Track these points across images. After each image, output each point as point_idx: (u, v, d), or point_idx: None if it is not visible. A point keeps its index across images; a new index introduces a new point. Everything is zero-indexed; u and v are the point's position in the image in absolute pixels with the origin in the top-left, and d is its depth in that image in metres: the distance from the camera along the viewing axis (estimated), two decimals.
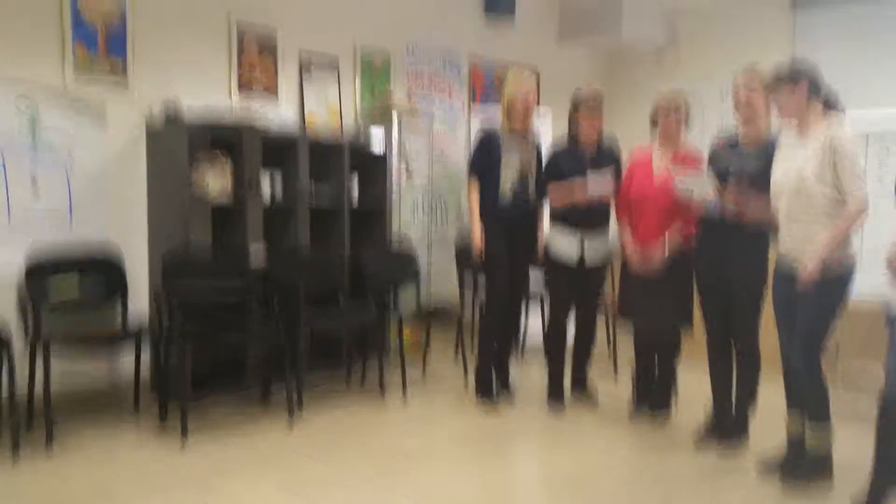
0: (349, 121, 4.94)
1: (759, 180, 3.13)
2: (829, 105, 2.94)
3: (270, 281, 3.90)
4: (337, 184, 4.44)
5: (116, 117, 3.85)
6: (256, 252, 3.96)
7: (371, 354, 4.33)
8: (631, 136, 3.88)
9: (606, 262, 4.00)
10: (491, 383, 4.04)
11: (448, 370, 4.69)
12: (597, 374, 4.39)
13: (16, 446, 3.07)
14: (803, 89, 2.89)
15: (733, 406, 3.50)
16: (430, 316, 4.67)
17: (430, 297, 4.84)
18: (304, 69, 4.65)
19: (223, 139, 3.89)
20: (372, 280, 4.34)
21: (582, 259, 3.88)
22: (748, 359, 3.43)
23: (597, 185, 3.71)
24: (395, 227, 4.87)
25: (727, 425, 3.49)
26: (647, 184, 3.65)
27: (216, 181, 3.85)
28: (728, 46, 6.24)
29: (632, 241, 3.71)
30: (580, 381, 4.18)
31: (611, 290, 4.21)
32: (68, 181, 3.72)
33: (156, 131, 3.91)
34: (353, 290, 4.36)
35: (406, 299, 4.64)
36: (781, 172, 2.96)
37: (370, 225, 4.67)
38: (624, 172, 3.84)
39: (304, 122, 4.62)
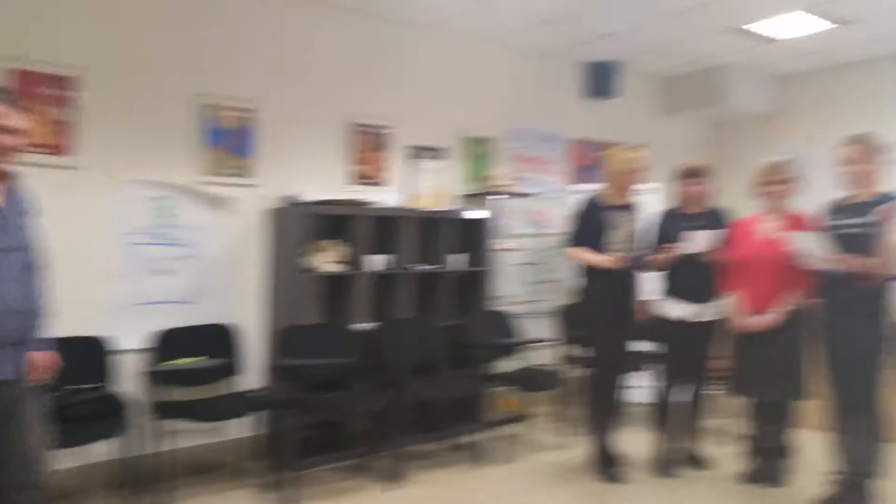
0: (454, 202, 5.23)
1: (869, 239, 3.06)
2: None
3: (377, 351, 4.13)
4: (440, 255, 4.69)
5: (243, 209, 4.32)
6: (362, 323, 4.22)
7: (472, 422, 4.39)
8: (740, 202, 3.86)
9: (717, 323, 3.90)
10: (608, 455, 3.97)
11: (552, 439, 4.64)
12: (710, 444, 4.22)
13: None
14: None
15: (857, 475, 3.25)
16: (532, 384, 4.68)
17: (531, 366, 4.87)
18: (411, 159, 5.02)
19: (335, 222, 4.26)
20: (473, 348, 4.46)
21: (689, 318, 3.82)
22: (868, 425, 3.24)
23: (696, 241, 3.70)
24: (496, 297, 5.01)
25: (850, 496, 3.24)
26: (753, 249, 3.61)
27: (328, 259, 4.20)
28: (839, 106, 6.08)
29: (742, 307, 3.63)
30: (692, 451, 4.05)
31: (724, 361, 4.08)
32: (197, 268, 4.17)
33: (275, 218, 4.35)
34: (457, 358, 4.49)
35: (506, 367, 4.71)
36: None
37: (472, 295, 4.84)
38: (728, 240, 3.80)
39: (410, 204, 4.95)
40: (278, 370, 3.99)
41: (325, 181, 4.60)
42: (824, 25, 5.16)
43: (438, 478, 3.94)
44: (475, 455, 4.24)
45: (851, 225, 3.21)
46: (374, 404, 3.96)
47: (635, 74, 6.37)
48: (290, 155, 4.49)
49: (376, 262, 4.37)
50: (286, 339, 4.01)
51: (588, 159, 6.11)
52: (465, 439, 4.45)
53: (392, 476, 3.84)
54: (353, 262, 4.29)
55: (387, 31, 4.94)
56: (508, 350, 4.73)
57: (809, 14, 4.95)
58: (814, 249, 3.23)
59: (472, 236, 4.91)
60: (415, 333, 4.40)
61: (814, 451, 3.69)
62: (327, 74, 4.66)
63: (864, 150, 3.21)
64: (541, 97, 5.85)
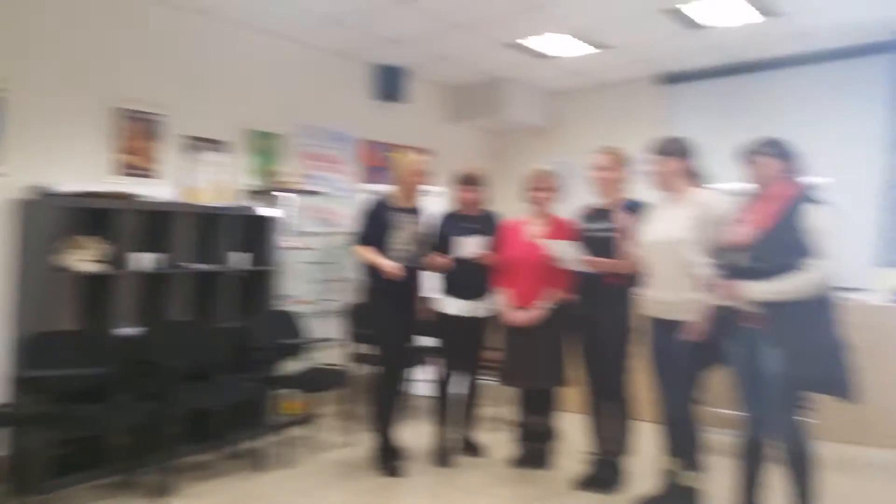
0: (238, 198, 5.01)
1: (616, 243, 3.38)
2: (698, 178, 3.24)
3: (141, 357, 3.80)
4: (220, 253, 4.45)
5: None
6: (127, 328, 3.88)
7: (254, 427, 4.22)
8: (516, 207, 4.10)
9: (490, 318, 4.09)
10: (390, 449, 4.02)
11: (338, 438, 4.60)
12: (484, 431, 4.44)
13: None
14: (680, 163, 3.16)
15: (610, 453, 3.60)
16: (317, 385, 4.61)
17: (318, 365, 4.81)
18: (189, 150, 4.72)
19: (97, 217, 3.87)
20: (256, 351, 4.29)
21: (464, 314, 3.98)
22: (620, 408, 3.59)
23: (466, 246, 3.88)
24: (282, 297, 4.89)
25: (604, 472, 3.58)
26: (520, 250, 3.85)
27: (85, 257, 3.80)
28: (603, 121, 6.75)
29: (509, 303, 3.85)
30: (468, 439, 4.24)
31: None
32: None
33: (23, 211, 3.85)
34: (239, 361, 4.29)
35: (292, 368, 4.60)
36: (656, 234, 3.18)
37: (256, 295, 4.66)
38: (497, 241, 4.02)
39: (187, 199, 4.65)
40: (23, 383, 3.52)
41: (85, 171, 4.17)
42: (587, 49, 5.69)
43: (213, 488, 3.72)
44: (257, 461, 4.08)
45: (600, 229, 3.54)
46: (137, 416, 3.64)
47: (425, 81, 6.57)
48: (44, 140, 4.02)
49: (144, 260, 4.03)
50: (34, 348, 3.56)
51: (378, 160, 6.18)
52: (246, 446, 4.26)
53: (160, 491, 3.56)
54: (117, 261, 3.92)
55: (167, 15, 4.61)
56: (294, 351, 4.60)
57: (574, 38, 5.43)
58: (568, 253, 3.52)
59: (256, 234, 4.72)
60: (189, 337, 4.12)
61: (574, 433, 4.02)
62: (90, 53, 4.24)
63: (613, 160, 3.56)
64: (331, 96, 5.81)
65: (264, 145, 5.28)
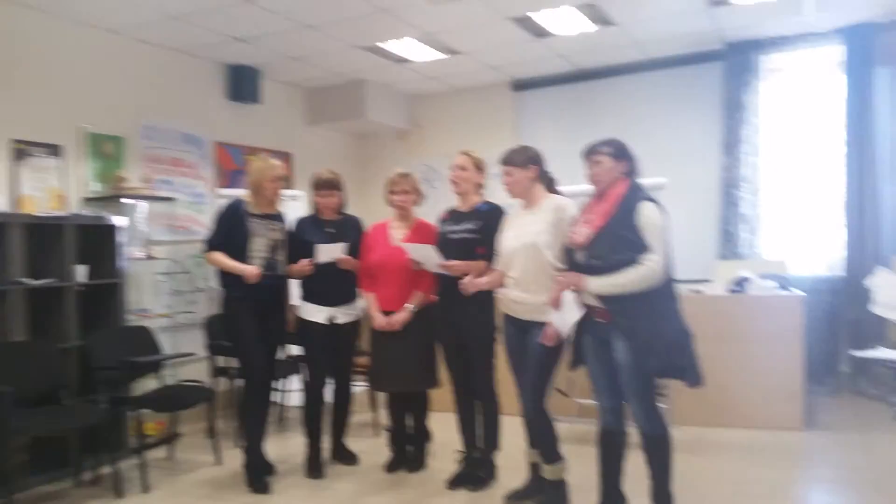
0: (77, 205, 4.61)
1: (475, 245, 3.45)
2: (551, 183, 3.35)
3: None
4: (59, 267, 4.08)
5: None
6: None
7: (111, 451, 3.90)
8: (381, 208, 4.07)
9: (356, 323, 4.05)
10: (260, 464, 3.87)
11: (203, 458, 4.36)
12: (357, 438, 4.39)
13: None
14: (528, 172, 3.25)
15: (481, 451, 3.67)
16: (178, 402, 4.34)
17: (179, 382, 4.53)
18: (19, 157, 4.28)
19: None
20: (103, 370, 3.96)
21: (333, 323, 3.90)
22: (488, 406, 3.66)
23: (326, 252, 3.80)
24: (133, 311, 4.58)
25: (476, 469, 3.65)
26: (384, 254, 3.83)
27: None
28: (462, 126, 6.90)
29: (376, 307, 3.82)
30: (340, 448, 4.18)
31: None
32: None
33: None
34: (87, 381, 3.97)
35: (149, 386, 4.32)
36: (512, 239, 3.25)
37: (103, 311, 4.32)
38: (362, 246, 3.97)
39: (18, 208, 4.22)
40: None
41: None
42: (433, 55, 5.78)
43: None
44: (117, 486, 3.75)
45: (459, 231, 3.59)
46: None
47: (280, 82, 6.39)
48: None
49: None
50: None
51: (234, 164, 5.93)
52: (106, 471, 3.92)
53: None
54: None
55: None
56: (149, 368, 4.30)
57: (419, 42, 5.49)
58: (427, 257, 3.55)
59: (100, 245, 4.36)
60: (26, 359, 3.74)
61: (446, 433, 4.04)
62: None
63: (470, 164, 3.62)
64: (181, 97, 5.52)
65: (106, 149, 4.91)
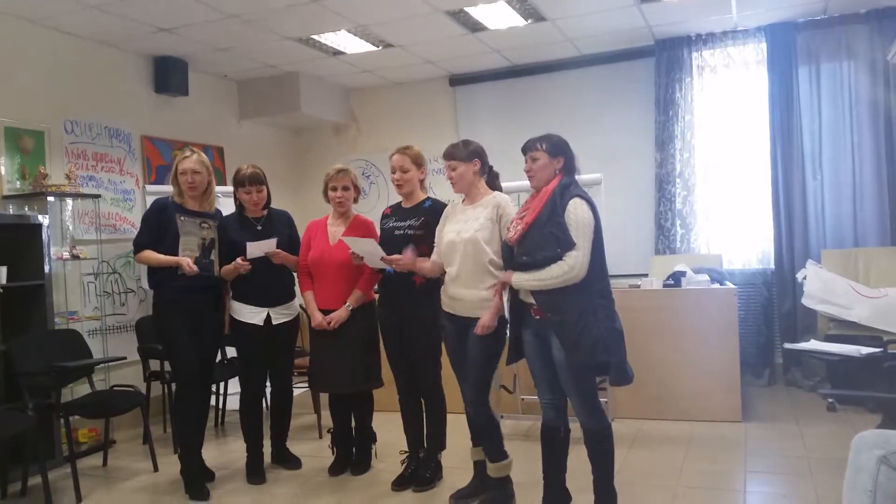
0: None
1: (419, 242, 3.42)
2: (492, 178, 3.33)
3: None
4: None
5: None
6: None
7: (38, 461, 3.69)
8: (319, 204, 3.97)
9: (294, 323, 3.96)
10: (198, 470, 3.76)
11: (138, 465, 4.21)
12: (299, 441, 4.31)
13: None
14: (470, 166, 3.22)
15: (426, 450, 3.66)
16: (108, 408, 4.17)
17: (110, 387, 4.36)
18: None
19: None
20: (30, 376, 3.76)
21: (269, 322, 3.80)
22: (433, 405, 3.64)
23: (256, 248, 3.69)
24: (57, 314, 4.36)
25: (422, 469, 3.64)
26: (323, 251, 3.75)
27: None
28: (401, 120, 6.83)
29: (315, 305, 3.75)
30: (282, 451, 4.08)
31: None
32: None
33: None
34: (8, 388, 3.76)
35: (79, 391, 4.12)
36: (454, 234, 3.22)
37: (24, 313, 4.10)
38: (301, 243, 3.89)
39: None
40: None
41: None
42: (368, 47, 5.69)
43: None
44: (46, 498, 3.55)
45: (402, 227, 3.55)
46: None
47: (209, 74, 6.18)
48: None
49: None
50: None
51: (162, 159, 5.71)
52: (34, 482, 3.72)
53: None
54: None
55: None
56: (79, 373, 4.10)
57: (352, 35, 5.41)
58: (369, 251, 3.49)
59: (22, 245, 4.13)
60: None
61: (391, 433, 4.02)
62: None
63: (410, 159, 3.57)
64: (104, 89, 5.26)
65: (26, 144, 4.64)
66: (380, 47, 5.71)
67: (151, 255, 3.62)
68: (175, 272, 3.61)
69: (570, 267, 2.72)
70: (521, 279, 2.83)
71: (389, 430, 4.01)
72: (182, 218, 3.67)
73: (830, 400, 4.61)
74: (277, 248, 3.73)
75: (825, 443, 4.04)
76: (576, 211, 2.77)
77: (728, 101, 5.89)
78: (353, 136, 7.16)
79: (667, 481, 3.57)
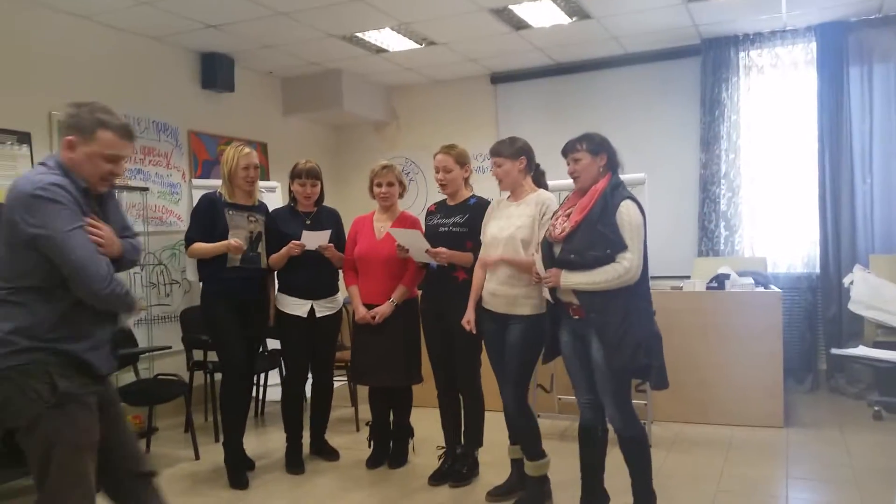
0: None
1: (464, 239, 3.45)
2: (538, 176, 3.34)
3: None
4: None
5: None
6: None
7: None
8: (359, 201, 4.00)
9: (336, 317, 4.01)
10: (240, 459, 3.83)
11: (180, 452, 4.30)
12: (338, 433, 4.36)
13: None
14: (516, 164, 3.22)
15: (464, 446, 3.67)
16: (154, 396, 4.27)
17: (156, 376, 4.46)
18: None
19: None
20: None
21: (312, 315, 3.85)
22: (472, 402, 3.65)
23: (311, 238, 3.75)
24: None
25: (459, 465, 3.65)
26: (369, 246, 3.79)
27: None
28: (441, 118, 6.84)
29: (359, 300, 3.79)
30: (321, 443, 4.13)
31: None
32: None
33: None
34: None
35: (124, 379, 4.23)
36: (497, 230, 3.23)
37: None
38: (347, 238, 3.94)
39: None
40: None
41: None
42: (411, 45, 5.72)
43: None
44: None
45: (447, 224, 3.57)
46: None
47: (255, 71, 6.28)
48: None
49: None
50: None
51: (208, 154, 5.82)
52: None
53: None
54: None
55: None
56: (124, 361, 4.22)
57: (396, 33, 5.43)
58: (415, 243, 3.51)
59: None
60: None
61: (429, 429, 4.04)
62: None
63: (454, 159, 3.59)
64: (152, 84, 5.38)
65: None
66: (423, 45, 5.74)
67: (202, 246, 3.70)
68: (224, 265, 3.70)
69: (625, 269, 2.71)
70: (570, 279, 2.79)
71: (427, 426, 4.03)
72: (230, 212, 3.74)
73: (878, 408, 4.51)
74: (328, 242, 3.79)
75: (871, 451, 3.94)
76: (628, 213, 2.76)
77: (775, 101, 5.78)
78: (393, 133, 7.20)
79: (706, 486, 3.53)
